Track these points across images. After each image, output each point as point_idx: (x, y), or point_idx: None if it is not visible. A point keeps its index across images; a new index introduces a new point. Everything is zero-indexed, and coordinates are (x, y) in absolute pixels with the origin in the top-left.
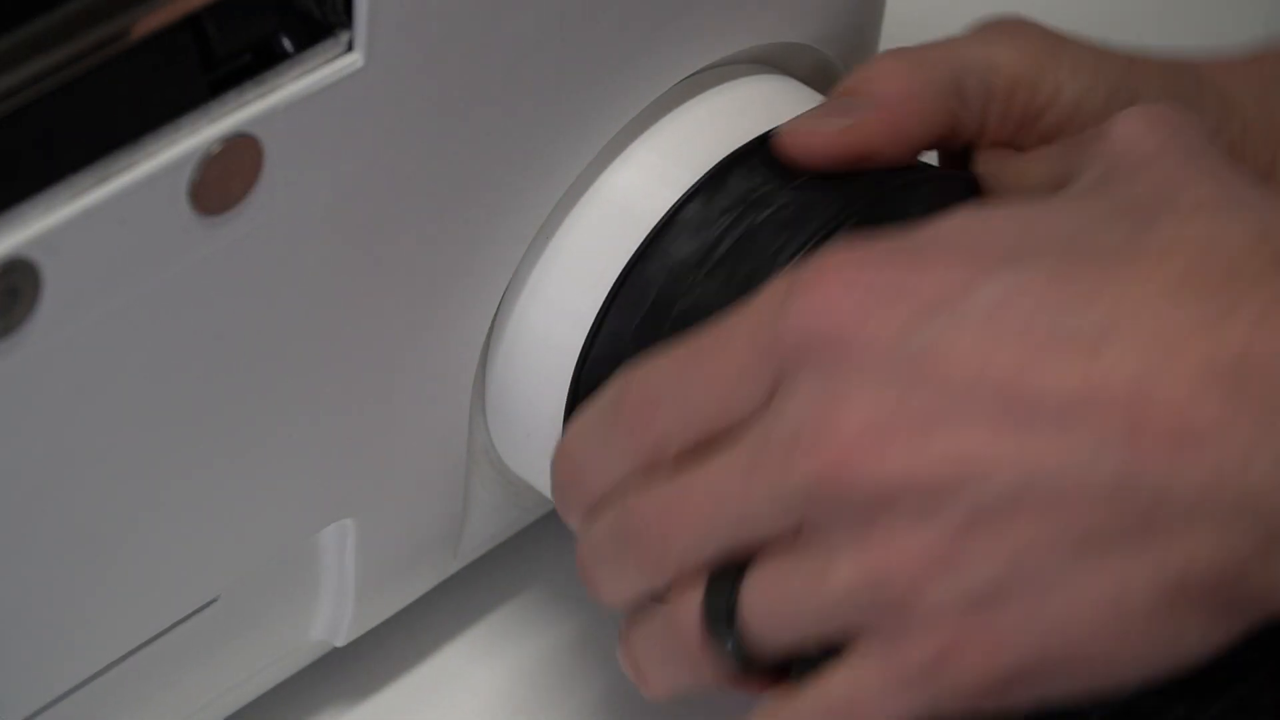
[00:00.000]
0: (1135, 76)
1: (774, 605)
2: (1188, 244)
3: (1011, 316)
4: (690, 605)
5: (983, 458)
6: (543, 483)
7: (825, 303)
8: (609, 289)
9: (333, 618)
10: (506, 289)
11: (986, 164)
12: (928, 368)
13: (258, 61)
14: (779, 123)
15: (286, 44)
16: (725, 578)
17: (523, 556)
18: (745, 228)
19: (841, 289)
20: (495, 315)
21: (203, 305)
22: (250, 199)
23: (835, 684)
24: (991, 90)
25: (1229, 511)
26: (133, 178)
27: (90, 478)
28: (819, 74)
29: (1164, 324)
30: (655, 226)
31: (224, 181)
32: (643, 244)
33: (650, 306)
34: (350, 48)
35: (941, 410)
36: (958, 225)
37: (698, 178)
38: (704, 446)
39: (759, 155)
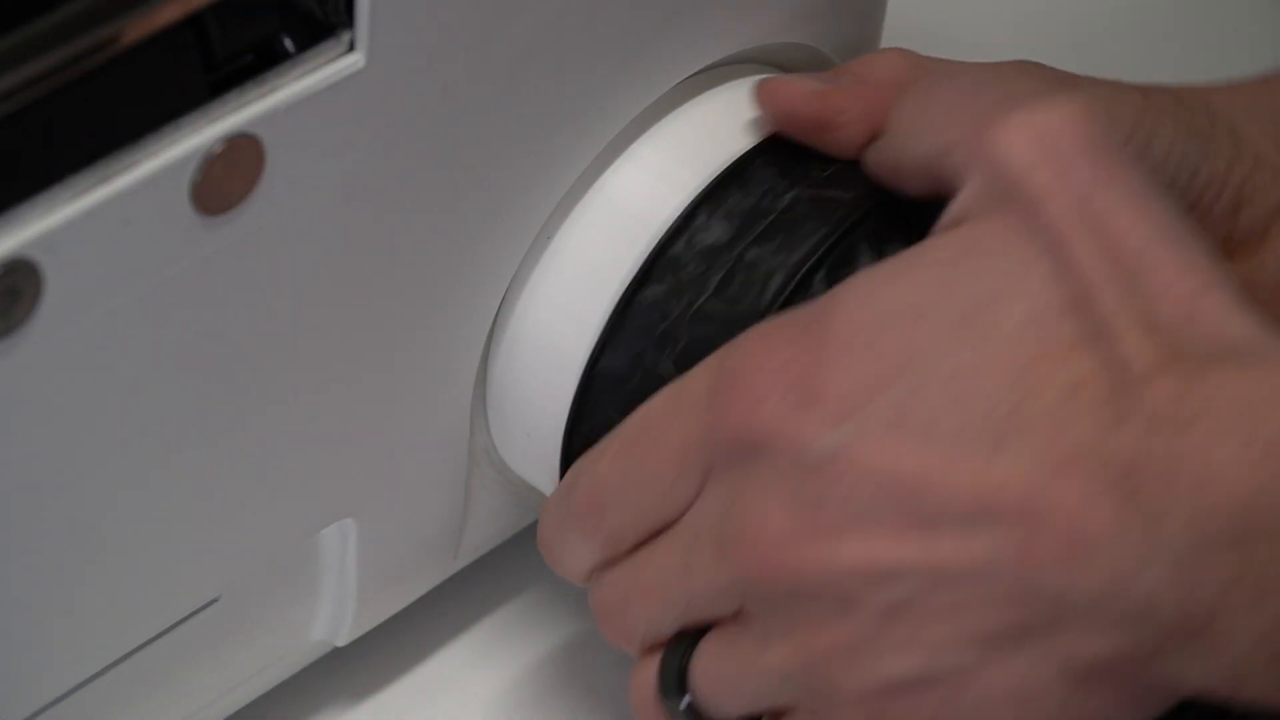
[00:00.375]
0: (1149, 117)
1: (718, 678)
2: (1078, 344)
3: (914, 420)
4: (651, 670)
5: (890, 561)
6: (543, 483)
7: (744, 407)
8: (612, 293)
9: (333, 618)
10: (508, 289)
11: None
12: (839, 473)
13: (259, 61)
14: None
15: (288, 44)
16: (679, 646)
17: (523, 557)
18: (746, 244)
19: (759, 393)
20: (496, 315)
21: (204, 305)
22: (251, 199)
23: None
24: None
25: (1126, 615)
26: (134, 178)
27: (91, 477)
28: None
29: (1058, 430)
30: (663, 236)
31: (225, 181)
32: (651, 254)
33: (660, 322)
34: (352, 48)
35: (851, 515)
36: (861, 309)
37: (699, 178)
38: (652, 536)
39: (760, 160)
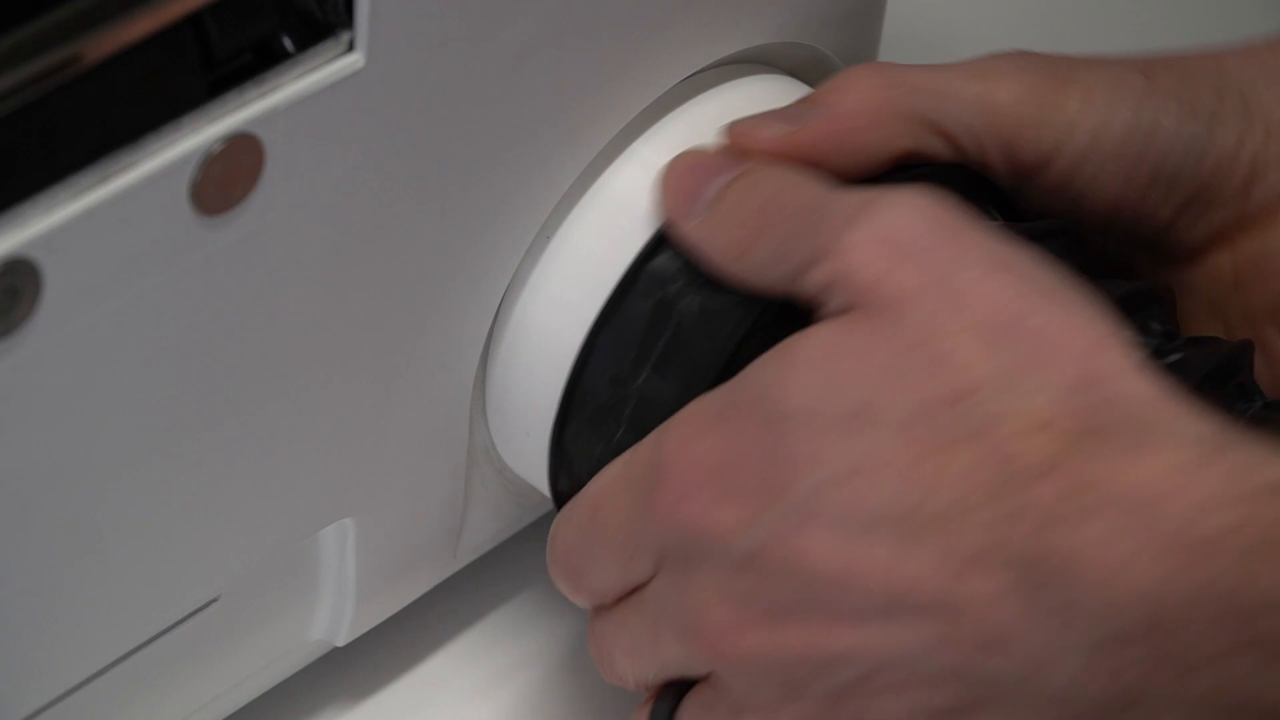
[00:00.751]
0: (1151, 105)
1: None
2: (960, 440)
3: (822, 515)
4: (644, 714)
5: (827, 649)
6: (543, 483)
7: (673, 503)
8: (610, 290)
9: (333, 618)
10: (507, 288)
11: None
12: (764, 570)
13: (258, 61)
14: None
15: (287, 44)
16: (664, 701)
17: (522, 557)
18: None
19: (684, 489)
20: (496, 315)
21: (203, 305)
22: (251, 199)
23: None
24: (992, 130)
25: (1053, 698)
26: (134, 177)
27: (90, 477)
28: (820, 73)
29: (958, 528)
30: (659, 229)
31: (225, 181)
32: (648, 245)
33: (651, 312)
34: (351, 48)
35: (783, 607)
36: (760, 407)
37: None
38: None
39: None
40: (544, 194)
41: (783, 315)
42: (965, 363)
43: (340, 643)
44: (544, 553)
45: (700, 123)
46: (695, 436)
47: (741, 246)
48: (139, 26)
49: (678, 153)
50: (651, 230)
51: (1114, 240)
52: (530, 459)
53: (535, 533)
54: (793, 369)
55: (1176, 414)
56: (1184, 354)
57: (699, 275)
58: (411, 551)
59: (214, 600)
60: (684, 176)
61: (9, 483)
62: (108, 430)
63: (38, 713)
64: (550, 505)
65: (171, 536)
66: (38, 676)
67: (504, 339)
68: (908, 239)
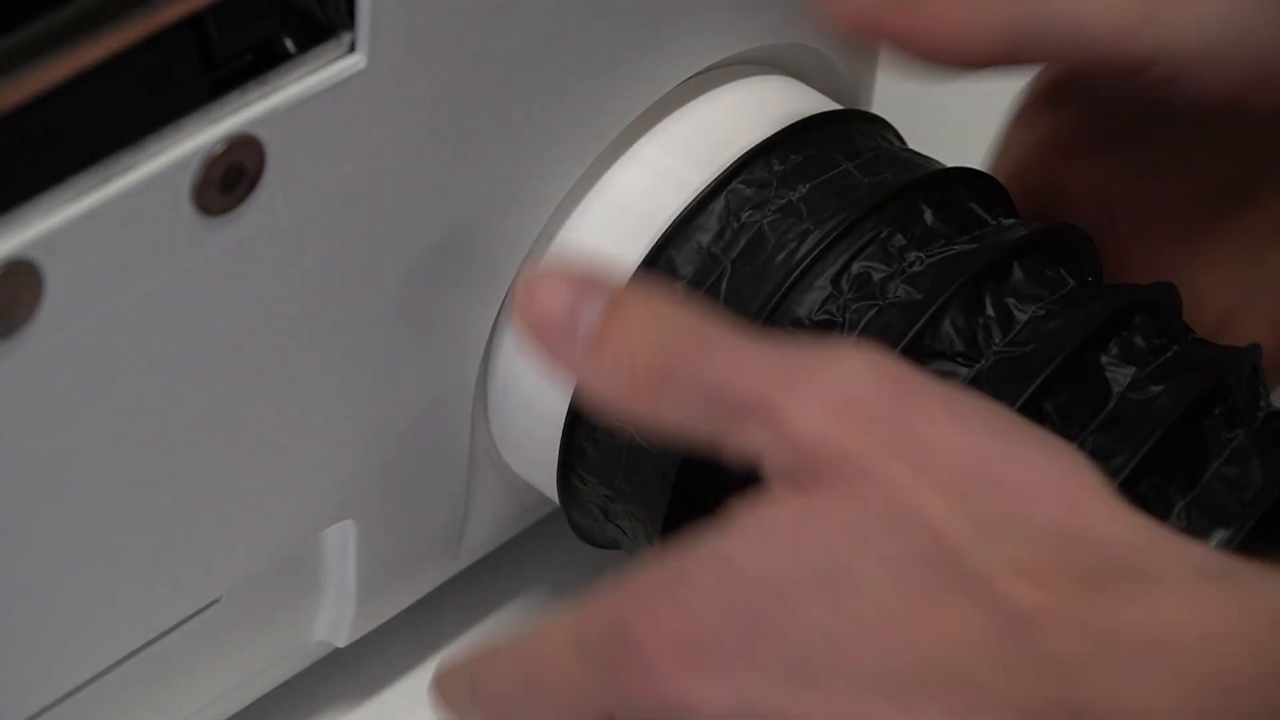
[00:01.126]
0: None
1: None
2: (956, 589)
3: (821, 674)
4: None
5: None
6: (544, 484)
7: (655, 677)
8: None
9: (334, 619)
10: (509, 289)
11: None
12: None
13: (260, 62)
14: (781, 123)
15: (289, 45)
16: None
17: (523, 558)
18: (756, 229)
19: (663, 659)
20: (498, 315)
21: (205, 306)
22: (252, 200)
23: None
24: (1080, 48)
25: None
26: (135, 178)
27: (92, 478)
28: (821, 74)
29: (963, 678)
30: (663, 235)
31: (226, 182)
32: (652, 253)
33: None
34: (352, 49)
35: None
36: (718, 579)
37: (701, 177)
38: None
39: (763, 159)
40: (546, 195)
41: None
42: (938, 518)
43: (342, 644)
44: (545, 553)
45: (702, 123)
46: (658, 605)
47: (644, 402)
48: (140, 27)
49: (680, 154)
50: (654, 231)
51: (1206, 129)
52: (532, 460)
53: (536, 533)
54: (752, 539)
55: (1166, 550)
56: (1165, 385)
57: (717, 261)
58: (413, 553)
59: (215, 601)
60: (543, 310)
61: (10, 484)
62: (108, 431)
63: (39, 714)
64: (551, 505)
65: (172, 538)
66: (39, 678)
67: (505, 340)
68: (858, 400)
